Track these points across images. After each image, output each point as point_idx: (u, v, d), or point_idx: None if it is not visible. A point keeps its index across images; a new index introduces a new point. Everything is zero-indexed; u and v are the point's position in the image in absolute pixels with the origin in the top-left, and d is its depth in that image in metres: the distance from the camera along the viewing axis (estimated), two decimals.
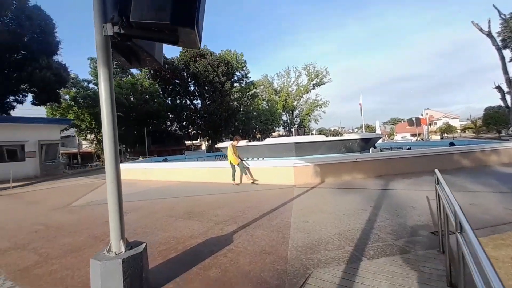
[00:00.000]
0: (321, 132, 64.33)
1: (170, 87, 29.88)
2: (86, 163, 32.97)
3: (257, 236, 3.62)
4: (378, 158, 8.61)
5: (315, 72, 51.57)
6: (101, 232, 4.31)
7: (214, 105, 28.52)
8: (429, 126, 33.38)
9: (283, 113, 53.95)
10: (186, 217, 4.88)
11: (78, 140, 33.76)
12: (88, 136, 33.90)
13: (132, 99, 28.98)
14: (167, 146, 42.15)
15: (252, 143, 14.77)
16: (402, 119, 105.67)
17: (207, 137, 32.62)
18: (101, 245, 3.66)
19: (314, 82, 52.16)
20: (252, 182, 8.42)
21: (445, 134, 49.38)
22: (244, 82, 36.41)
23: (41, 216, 5.79)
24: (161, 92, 30.22)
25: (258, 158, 13.93)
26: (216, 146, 16.09)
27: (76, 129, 30.90)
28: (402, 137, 70.88)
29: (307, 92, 52.90)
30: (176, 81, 29.81)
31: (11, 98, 17.48)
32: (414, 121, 29.08)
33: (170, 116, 30.11)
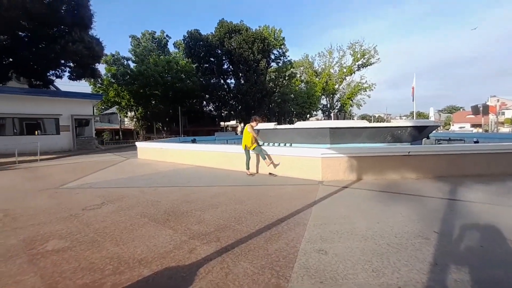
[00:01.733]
0: (364, 118, 59.41)
1: (205, 65, 29.05)
2: (127, 139, 34.60)
3: (236, 277, 2.19)
4: (439, 152, 6.44)
5: (362, 52, 46.49)
6: (47, 232, 3.28)
7: (248, 85, 27.07)
8: (497, 116, 27.85)
9: (323, 96, 50.36)
10: (162, 219, 3.65)
11: (120, 117, 35.36)
12: (129, 113, 35.27)
13: (167, 77, 28.87)
14: (202, 126, 42.37)
15: (280, 126, 13.13)
16: (461, 107, 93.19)
17: (240, 119, 31.60)
18: (21, 258, 2.59)
19: (360, 62, 47.19)
20: (270, 174, 6.95)
21: None
22: (281, 62, 34.09)
23: (17, 198, 5.09)
24: (194, 71, 29.62)
25: (285, 144, 12.32)
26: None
27: (117, 106, 32.18)
28: (460, 127, 62.11)
29: (351, 74, 48.27)
30: (211, 59, 28.83)
31: (51, 72, 18.05)
32: (481, 108, 24.24)
33: (203, 95, 29.49)
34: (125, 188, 5.76)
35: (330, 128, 11.60)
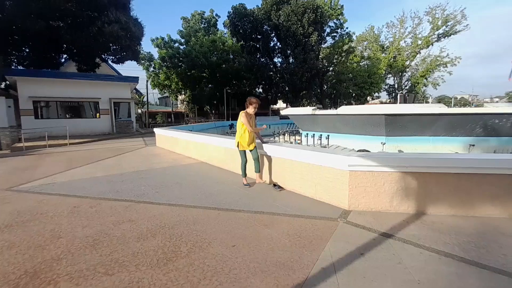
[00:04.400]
0: (440, 100, 49.77)
1: (251, 43, 26.93)
2: (179, 121, 35.58)
3: None
4: None
5: (444, 18, 37.46)
6: None
7: (295, 63, 24.07)
8: None
9: (389, 75, 43.12)
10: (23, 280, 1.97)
11: (172, 100, 36.42)
12: (179, 96, 35.99)
13: (213, 58, 27.79)
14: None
15: (320, 111, 10.44)
16: None
17: (287, 102, 28.94)
18: None
19: (441, 31, 38.24)
20: (275, 185, 4.75)
21: None
22: (337, 35, 29.55)
23: None
24: (240, 50, 27.77)
25: (325, 137, 9.68)
26: (282, 112, 12.56)
27: (168, 90, 32.93)
28: None
29: (427, 46, 39.69)
30: (257, 36, 26.50)
31: (97, 55, 18.46)
32: None
33: (247, 76, 27.64)
34: (67, 197, 4.38)
35: (386, 114, 8.54)
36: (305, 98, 29.18)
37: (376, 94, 43.34)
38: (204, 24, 35.00)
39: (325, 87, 33.01)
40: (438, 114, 8.18)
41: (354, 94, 35.00)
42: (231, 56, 29.43)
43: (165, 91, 33.58)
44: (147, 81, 30.96)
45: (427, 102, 35.53)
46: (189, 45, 26.61)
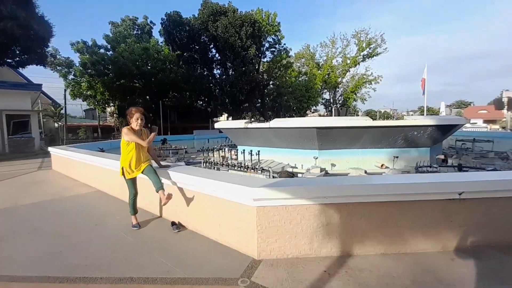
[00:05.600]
0: (369, 114, 55.53)
1: (188, 53, 25.54)
2: (107, 137, 31.51)
3: None
4: None
5: (367, 41, 42.30)
6: None
7: (235, 75, 23.53)
8: None
9: (325, 90, 46.41)
10: None
11: (98, 112, 32.26)
12: (107, 108, 32.11)
13: (145, 67, 25.44)
14: (194, 122, 38.99)
15: (253, 125, 9.72)
16: (471, 102, 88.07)
17: (228, 114, 28.15)
18: None
19: (365, 52, 42.97)
20: (173, 224, 3.55)
21: None
22: (276, 50, 30.34)
23: None
24: (176, 60, 26.11)
25: (253, 153, 8.89)
26: (216, 125, 11.47)
27: (92, 100, 28.94)
28: (472, 123, 57.45)
29: (355, 65, 44.12)
30: (195, 46, 25.30)
31: None
32: (506, 102, 20.41)
33: (186, 88, 26.06)
34: None
35: (318, 128, 8.19)
36: (246, 111, 28.84)
37: (315, 107, 46.02)
38: (137, 31, 32.33)
39: (267, 100, 33.40)
40: (365, 127, 8.16)
41: (294, 107, 36.25)
42: (169, 66, 27.56)
43: (89, 101, 29.52)
44: (65, 90, 26.75)
45: (357, 115, 38.92)
46: (117, 52, 23.90)
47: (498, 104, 21.41)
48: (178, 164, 4.16)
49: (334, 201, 2.64)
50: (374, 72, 44.77)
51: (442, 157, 10.12)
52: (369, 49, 42.68)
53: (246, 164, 8.41)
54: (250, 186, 2.56)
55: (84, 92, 27.25)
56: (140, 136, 3.61)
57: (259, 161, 8.07)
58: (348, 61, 43.88)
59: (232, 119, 26.88)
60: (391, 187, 2.62)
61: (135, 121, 3.54)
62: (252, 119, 39.54)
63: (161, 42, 30.29)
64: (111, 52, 26.55)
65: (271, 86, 33.07)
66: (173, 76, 25.71)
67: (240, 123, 10.32)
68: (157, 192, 3.40)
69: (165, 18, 24.03)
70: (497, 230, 2.80)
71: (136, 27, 32.53)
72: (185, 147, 13.72)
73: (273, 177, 7.03)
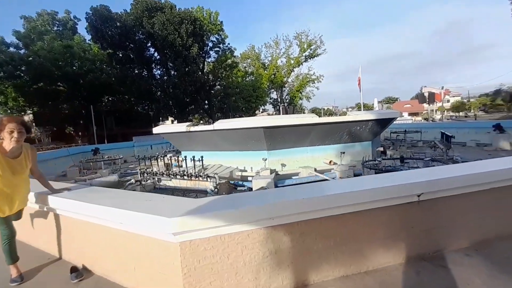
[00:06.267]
0: (314, 111, 58.51)
1: (121, 51, 23.03)
2: None
3: None
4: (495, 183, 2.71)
5: (308, 42, 44.41)
6: None
7: (177, 76, 22.04)
8: (442, 103, 27.71)
9: (273, 90, 47.36)
10: None
11: None
12: (25, 117, 27.20)
13: (68, 67, 22.08)
14: (136, 128, 35.68)
15: (196, 127, 8.83)
16: (397, 98, 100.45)
17: (173, 117, 26.38)
18: None
19: (307, 53, 45.08)
20: (73, 271, 2.59)
21: (456, 113, 43.94)
22: (220, 50, 29.54)
23: None
24: (107, 60, 23.35)
25: (199, 159, 8.00)
26: (154, 130, 10.19)
27: (2, 108, 24.15)
28: (400, 116, 65.10)
29: (299, 66, 45.97)
30: (130, 44, 22.95)
31: None
32: (427, 96, 23.31)
33: (121, 90, 23.53)
34: None
35: (264, 127, 7.73)
36: (193, 113, 27.43)
37: (263, 107, 46.60)
38: (58, 27, 28.14)
39: (215, 101, 32.40)
40: (312, 124, 8.00)
41: (243, 108, 35.97)
42: (99, 66, 24.46)
43: (0, 108, 24.60)
44: None
45: (304, 113, 40.50)
46: (32, 50, 20.20)
47: (421, 98, 24.25)
48: (82, 186, 3.14)
49: (283, 221, 2.06)
50: (316, 71, 47.37)
51: (381, 149, 10.65)
52: (310, 50, 44.86)
53: (189, 171, 7.52)
54: (167, 215, 1.81)
55: None
56: (19, 156, 2.54)
57: (203, 167, 7.26)
58: (292, 61, 45.44)
59: (178, 122, 25.18)
60: (347, 197, 2.15)
61: (9, 135, 2.44)
62: (201, 121, 38.05)
63: (88, 40, 26.87)
64: (24, 50, 22.45)
65: (218, 87, 32.20)
66: (105, 77, 22.93)
67: (182, 127, 9.32)
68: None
69: (91, 12, 21.22)
70: (459, 231, 2.58)
71: (57, 22, 28.32)
72: (121, 156, 12.03)
73: (215, 187, 6.31)
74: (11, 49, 22.22)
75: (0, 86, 21.83)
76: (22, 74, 21.20)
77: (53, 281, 2.57)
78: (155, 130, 10.05)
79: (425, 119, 45.55)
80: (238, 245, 1.99)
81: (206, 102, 29.45)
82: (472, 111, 44.95)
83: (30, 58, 19.83)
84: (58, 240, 2.90)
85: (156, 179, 8.42)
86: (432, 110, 46.73)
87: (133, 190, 8.14)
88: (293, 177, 8.22)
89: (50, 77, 20.97)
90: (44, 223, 2.90)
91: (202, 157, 7.23)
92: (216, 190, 5.45)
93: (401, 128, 16.35)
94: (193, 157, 7.54)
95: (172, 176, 7.55)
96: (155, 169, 8.80)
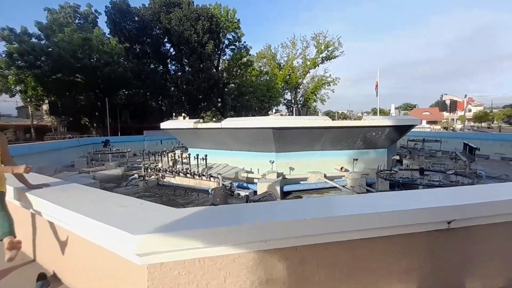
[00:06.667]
0: (328, 114, 57.40)
1: (138, 46, 23.21)
2: (41, 138, 27.42)
3: None
4: None
5: (326, 43, 43.46)
6: None
7: (191, 72, 21.96)
8: (464, 112, 26.33)
9: (287, 90, 46.72)
10: None
11: (31, 110, 27.95)
12: (43, 106, 28.04)
13: (86, 59, 22.45)
14: (150, 122, 36.11)
15: (203, 125, 8.56)
16: (415, 105, 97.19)
17: (185, 113, 26.36)
18: None
19: (324, 55, 44.14)
20: (39, 277, 2.29)
21: (478, 124, 41.88)
22: (236, 48, 29.32)
23: None
24: (124, 54, 23.58)
25: (203, 158, 7.66)
26: (162, 125, 10.02)
27: (22, 96, 24.92)
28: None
29: (315, 67, 45.10)
30: (147, 39, 23.11)
31: None
32: (448, 104, 22.15)
33: (136, 84, 23.71)
34: None
35: (274, 128, 7.34)
36: (205, 110, 27.32)
37: (276, 107, 46.03)
38: (79, 20, 28.74)
39: (228, 99, 32.22)
40: (325, 128, 7.55)
41: (256, 108, 35.64)
42: (116, 59, 24.76)
43: (22, 98, 25.40)
44: None
45: (316, 115, 39.69)
46: (52, 41, 20.67)
47: (442, 106, 23.11)
48: (64, 182, 2.86)
49: (279, 245, 1.68)
50: (332, 74, 46.36)
51: (397, 157, 10.02)
52: (327, 51, 43.91)
53: (193, 170, 7.24)
54: (133, 230, 1.46)
55: (12, 87, 23.26)
56: None
57: (206, 166, 6.95)
58: (308, 63, 44.65)
59: (190, 118, 25.09)
60: (360, 220, 1.73)
61: None
62: (213, 119, 37.99)
63: (108, 34, 27.30)
64: (45, 41, 23.01)
65: (232, 85, 31.98)
66: (121, 71, 23.16)
67: (189, 123, 9.08)
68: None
69: (110, 6, 21.50)
70: (495, 268, 2.10)
71: (78, 15, 28.90)
72: (129, 150, 11.96)
73: (221, 184, 5.99)
74: (33, 39, 22.82)
75: (20, 75, 22.47)
76: (42, 64, 21.72)
77: (22, 285, 2.30)
78: (163, 125, 9.86)
79: (444, 128, 43.70)
80: (221, 271, 1.62)
81: (220, 100, 29.29)
82: (495, 122, 42.68)
83: (50, 49, 20.28)
84: (33, 241, 2.64)
85: (160, 175, 8.22)
86: (453, 119, 44.75)
87: (136, 185, 8.00)
88: (301, 182, 7.82)
89: (68, 68, 21.37)
90: (20, 220, 2.64)
91: (206, 155, 6.91)
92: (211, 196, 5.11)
93: (419, 136, 15.53)
94: (197, 155, 7.25)
95: (175, 173, 7.30)
96: (160, 165, 8.61)
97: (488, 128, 36.51)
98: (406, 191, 2.49)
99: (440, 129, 41.53)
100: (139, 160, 12.34)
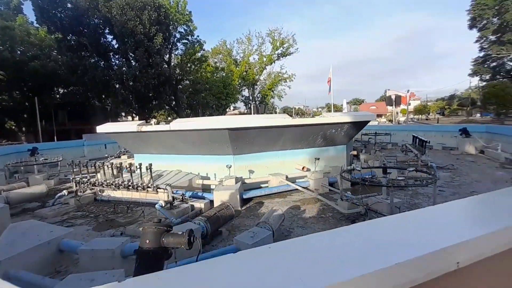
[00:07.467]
0: (285, 110, 58.50)
1: (73, 37, 20.26)
2: None
3: None
4: None
5: (281, 40, 43.88)
6: None
7: (138, 67, 19.93)
8: (407, 106, 28.83)
9: (244, 87, 46.18)
10: None
11: None
12: None
13: (10, 52, 18.88)
14: (93, 124, 32.39)
15: (149, 127, 7.41)
16: (363, 99, 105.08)
17: (133, 113, 24.11)
18: None
19: (279, 51, 44.57)
20: None
21: (417, 116, 46.43)
22: (188, 42, 27.66)
23: None
24: (56, 45, 20.42)
25: (148, 167, 6.56)
26: (98, 129, 8.49)
27: None
28: None
29: (271, 63, 45.34)
30: (83, 29, 20.29)
31: None
32: (394, 99, 23.88)
33: (72, 81, 20.75)
34: None
35: (229, 129, 6.60)
36: (156, 109, 25.30)
37: (234, 105, 45.29)
38: None
39: (183, 97, 30.40)
40: (283, 126, 7.06)
41: (213, 105, 34.35)
42: (45, 52, 21.34)
43: None
44: None
45: (275, 112, 39.96)
46: None
47: (388, 101, 24.79)
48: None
49: None
50: (288, 70, 47.14)
51: (355, 153, 10.05)
52: (283, 48, 44.39)
53: (137, 180, 6.13)
54: None
55: None
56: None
57: (151, 176, 5.93)
58: (264, 59, 44.62)
59: (139, 118, 22.92)
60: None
61: None
62: (169, 118, 35.68)
63: (35, 22, 23.46)
64: None
65: (187, 82, 30.24)
66: (53, 65, 20.03)
67: (132, 126, 7.85)
68: None
69: None
70: None
71: None
72: (60, 158, 10.09)
73: (173, 198, 5.13)
74: None
75: None
76: None
77: None
78: (100, 128, 8.38)
79: (389, 120, 47.61)
80: None
81: (173, 97, 27.43)
82: (431, 114, 47.84)
83: None
84: None
85: (97, 189, 6.91)
86: (397, 113, 49.06)
87: (66, 203, 6.59)
88: (262, 186, 7.27)
89: None
90: None
91: (150, 164, 5.89)
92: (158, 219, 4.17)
93: (370, 130, 16.22)
94: (140, 164, 6.16)
95: (114, 187, 6.12)
96: (99, 176, 7.18)
97: (427, 119, 40.80)
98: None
99: (385, 122, 45.09)
100: (76, 169, 10.61)
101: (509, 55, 33.22)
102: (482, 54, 37.74)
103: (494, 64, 36.70)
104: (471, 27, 37.53)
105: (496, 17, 33.46)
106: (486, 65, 37.42)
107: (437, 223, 1.36)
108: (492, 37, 34.85)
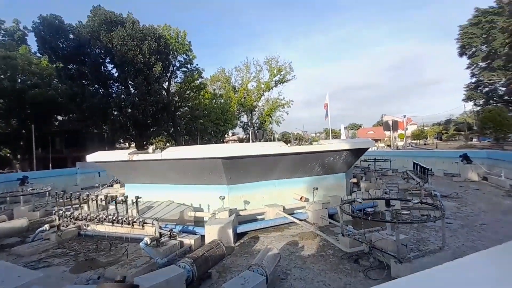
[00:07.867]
0: (284, 135, 58.65)
1: (74, 66, 20.66)
2: None
3: None
4: None
5: (278, 67, 45.24)
6: None
7: (137, 95, 20.12)
8: (405, 131, 28.87)
9: (243, 113, 46.71)
10: None
11: None
12: None
13: (11, 81, 19.10)
14: (89, 151, 32.10)
15: (139, 156, 7.13)
16: (361, 125, 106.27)
17: (131, 140, 23.95)
18: None
19: (277, 78, 45.76)
20: None
21: (415, 141, 46.54)
22: (187, 70, 28.32)
23: None
24: (55, 74, 20.76)
25: (134, 201, 6.19)
26: (88, 158, 8.21)
27: None
28: None
29: (269, 90, 46.33)
30: (84, 58, 20.75)
31: None
32: (391, 124, 23.99)
33: (71, 109, 20.82)
34: None
35: (223, 158, 6.32)
36: (154, 136, 25.21)
37: (232, 131, 45.46)
38: (3, 37, 25.09)
39: (181, 123, 30.50)
40: (279, 155, 6.78)
41: (211, 131, 34.41)
42: (45, 81, 21.62)
43: None
44: None
45: (273, 137, 39.97)
46: None
47: (386, 126, 24.85)
48: None
49: None
50: (286, 97, 48.03)
51: (355, 180, 9.72)
52: (280, 75, 45.62)
53: (119, 216, 5.71)
54: None
55: None
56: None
57: (137, 211, 5.53)
58: (262, 86, 45.64)
59: (137, 145, 22.72)
60: None
61: None
62: (167, 144, 35.56)
63: (39, 53, 24.11)
64: None
65: (186, 108, 30.52)
66: (52, 93, 20.21)
67: (122, 155, 7.55)
68: None
69: (39, 21, 18.94)
70: None
71: (2, 32, 25.24)
72: (48, 188, 9.66)
73: (160, 234, 4.71)
74: None
75: None
76: None
77: None
78: (90, 157, 8.09)
79: (388, 145, 47.65)
80: None
81: (171, 124, 27.47)
82: (428, 138, 48.01)
83: None
84: None
85: (82, 223, 6.47)
86: (395, 137, 49.29)
87: (47, 239, 6.11)
88: (258, 218, 6.84)
89: None
90: None
91: (137, 197, 5.51)
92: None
93: (369, 156, 15.93)
94: (126, 196, 5.78)
95: (97, 221, 5.69)
96: (86, 208, 6.75)
97: (425, 144, 40.84)
98: None
99: (384, 146, 45.06)
100: (66, 200, 10.13)
101: (500, 81, 33.95)
102: (474, 80, 38.63)
103: (487, 89, 37.42)
104: (460, 54, 38.83)
105: (484, 45, 34.69)
106: (478, 91, 38.13)
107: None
108: (483, 64, 35.87)
